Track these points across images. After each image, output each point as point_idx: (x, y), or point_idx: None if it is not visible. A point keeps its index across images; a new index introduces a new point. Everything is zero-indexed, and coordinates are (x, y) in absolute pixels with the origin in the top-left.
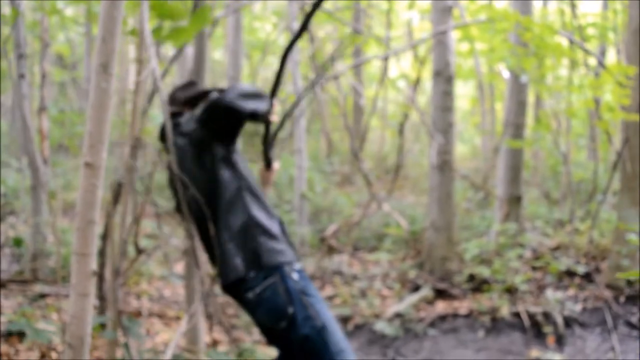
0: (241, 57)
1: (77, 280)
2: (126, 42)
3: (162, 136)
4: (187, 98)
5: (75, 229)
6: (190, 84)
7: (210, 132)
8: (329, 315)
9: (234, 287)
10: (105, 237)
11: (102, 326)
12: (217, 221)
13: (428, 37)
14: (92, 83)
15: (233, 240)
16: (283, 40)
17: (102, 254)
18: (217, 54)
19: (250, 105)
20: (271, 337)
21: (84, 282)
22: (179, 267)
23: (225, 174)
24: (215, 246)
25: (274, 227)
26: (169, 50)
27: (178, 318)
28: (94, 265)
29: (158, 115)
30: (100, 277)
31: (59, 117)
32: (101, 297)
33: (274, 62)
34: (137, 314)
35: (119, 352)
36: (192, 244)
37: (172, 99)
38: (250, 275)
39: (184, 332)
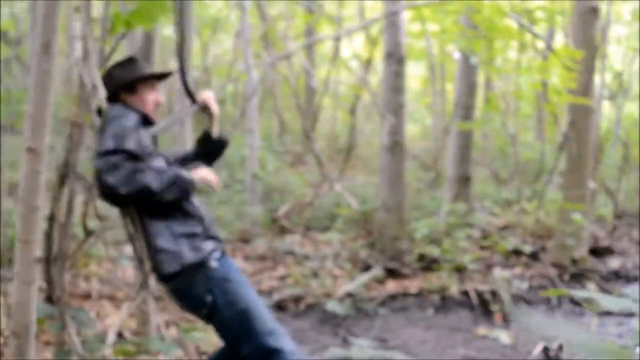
0: (191, 34)
1: (21, 267)
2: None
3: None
4: (124, 81)
5: (18, 215)
6: (130, 61)
7: None
8: (253, 298)
9: (161, 279)
10: (51, 219)
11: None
12: (144, 219)
13: (379, 18)
14: (33, 64)
15: (153, 241)
16: (234, 17)
17: (49, 237)
18: (166, 30)
19: (139, 182)
20: (203, 321)
21: (28, 270)
22: (128, 249)
23: None
24: (145, 241)
25: (192, 228)
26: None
27: (131, 299)
28: (37, 252)
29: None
30: (47, 260)
31: (4, 96)
32: (49, 280)
33: (225, 40)
34: (87, 296)
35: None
36: (133, 229)
37: (108, 78)
38: (169, 270)
39: (134, 314)
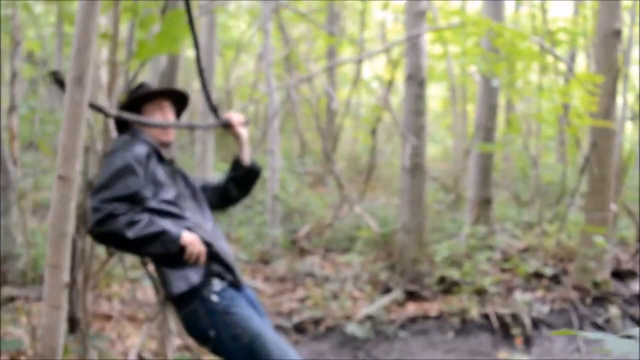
0: (215, 55)
1: (50, 291)
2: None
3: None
4: (127, 102)
5: (48, 241)
6: (139, 86)
7: None
8: (259, 328)
9: (172, 301)
10: (75, 241)
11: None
12: None
13: (401, 41)
14: (66, 95)
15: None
16: (257, 39)
17: (72, 257)
18: (190, 51)
19: (109, 227)
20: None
21: (57, 294)
22: (152, 269)
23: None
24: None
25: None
26: None
27: (149, 321)
28: (66, 277)
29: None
30: (71, 281)
31: (29, 116)
32: (71, 301)
33: (247, 61)
34: (108, 317)
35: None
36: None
37: (118, 105)
38: (175, 298)
39: (154, 335)
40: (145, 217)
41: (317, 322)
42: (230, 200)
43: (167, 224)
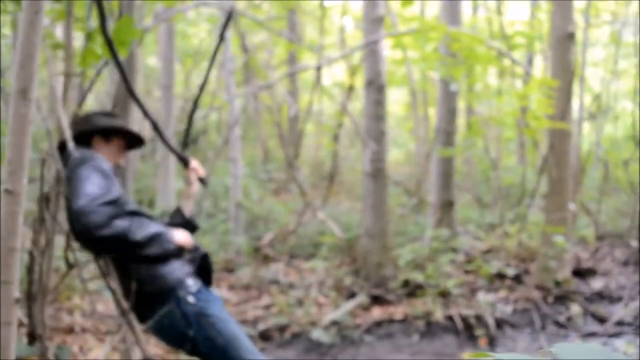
0: (174, 64)
1: (1, 308)
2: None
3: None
4: (105, 127)
5: None
6: (112, 114)
7: None
8: (234, 332)
9: (137, 314)
10: (32, 254)
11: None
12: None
13: (359, 47)
14: (11, 109)
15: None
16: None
17: (30, 271)
18: (151, 60)
19: (118, 226)
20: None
21: (7, 311)
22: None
23: None
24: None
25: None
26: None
27: (112, 333)
28: (16, 292)
29: None
30: (29, 295)
31: None
32: (30, 315)
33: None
34: (70, 330)
35: None
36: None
37: (86, 120)
38: (145, 306)
39: (117, 347)
40: (137, 220)
41: (282, 329)
42: None
43: (154, 225)
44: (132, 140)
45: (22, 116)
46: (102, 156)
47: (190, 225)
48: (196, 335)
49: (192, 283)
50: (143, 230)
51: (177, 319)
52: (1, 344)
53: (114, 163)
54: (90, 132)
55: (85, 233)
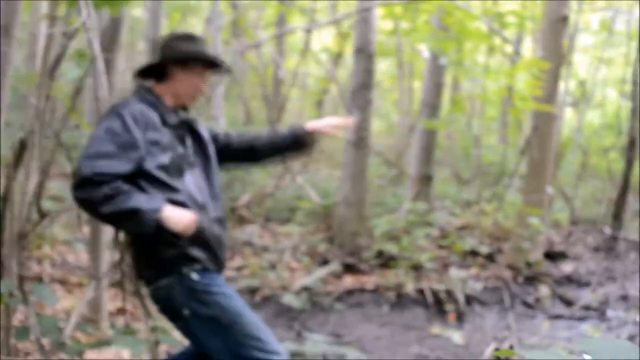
0: (160, 17)
1: None
2: None
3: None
4: (181, 55)
5: None
6: (192, 38)
7: None
8: (239, 309)
9: (142, 274)
10: (5, 199)
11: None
12: None
13: (351, 14)
14: None
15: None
16: (206, 4)
17: (1, 217)
18: (137, 11)
19: (86, 194)
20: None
21: None
22: (84, 232)
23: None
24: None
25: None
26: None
27: (81, 285)
28: None
29: (69, 69)
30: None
31: None
32: (0, 263)
33: (195, 25)
34: (38, 279)
35: (16, 320)
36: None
37: (164, 47)
38: (146, 272)
39: (83, 299)
40: (125, 190)
41: (253, 291)
42: (254, 162)
43: (142, 200)
44: (212, 65)
45: (3, 54)
46: (150, 101)
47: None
48: (197, 314)
49: (197, 266)
50: (121, 204)
51: (175, 296)
52: None
53: (190, 93)
54: (165, 62)
55: (74, 192)
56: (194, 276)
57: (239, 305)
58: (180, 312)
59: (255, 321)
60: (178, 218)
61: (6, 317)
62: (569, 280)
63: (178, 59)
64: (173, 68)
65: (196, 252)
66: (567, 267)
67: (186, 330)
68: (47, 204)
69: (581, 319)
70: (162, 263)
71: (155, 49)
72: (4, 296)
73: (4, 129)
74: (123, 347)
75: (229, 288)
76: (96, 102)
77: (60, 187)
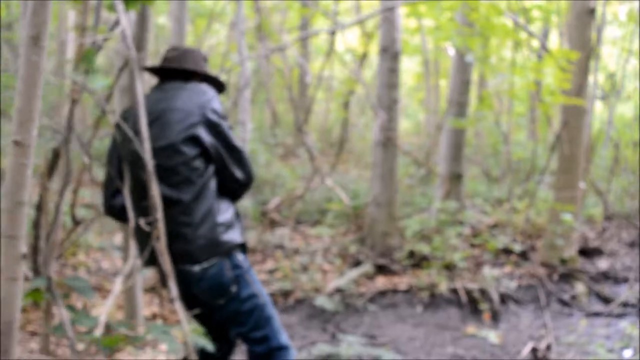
0: (185, 24)
1: (6, 263)
2: (66, 7)
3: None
4: (206, 70)
5: (3, 210)
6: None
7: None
8: (267, 297)
9: (179, 257)
10: (39, 208)
11: (38, 294)
12: (204, 195)
13: (375, 13)
14: (22, 56)
15: (213, 216)
16: (230, 9)
17: (36, 226)
18: (161, 19)
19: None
20: (201, 309)
21: (13, 266)
22: (118, 238)
23: (201, 164)
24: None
25: (229, 214)
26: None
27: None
28: (23, 247)
29: (99, 79)
30: (35, 249)
31: None
32: (36, 270)
33: (219, 30)
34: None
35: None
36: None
37: (196, 55)
38: (201, 252)
39: (122, 306)
40: None
41: (286, 294)
42: None
43: None
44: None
45: (33, 64)
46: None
47: None
48: (240, 292)
49: (244, 241)
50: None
51: (226, 272)
52: (7, 300)
53: None
54: (190, 72)
55: (250, 181)
56: (240, 257)
57: (266, 294)
58: (227, 289)
59: (275, 314)
60: None
61: (45, 318)
62: (605, 276)
63: (205, 75)
64: (194, 79)
65: (243, 236)
66: (602, 264)
67: (225, 309)
68: (80, 212)
69: (619, 316)
70: (217, 244)
71: (186, 56)
72: (40, 293)
73: (36, 138)
74: (160, 341)
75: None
76: (136, 107)
77: (92, 194)
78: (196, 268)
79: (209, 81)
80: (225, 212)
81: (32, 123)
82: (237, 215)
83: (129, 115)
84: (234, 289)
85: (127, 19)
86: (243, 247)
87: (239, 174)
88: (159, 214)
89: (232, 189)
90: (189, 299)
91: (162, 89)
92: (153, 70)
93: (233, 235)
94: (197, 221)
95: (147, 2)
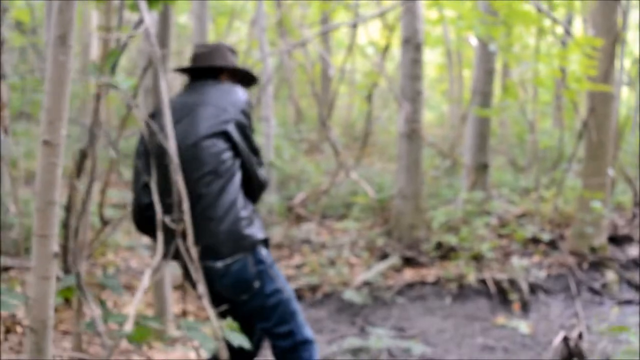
0: (207, 23)
1: (38, 262)
2: (89, 7)
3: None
4: (236, 66)
5: (35, 209)
6: (235, 51)
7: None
8: (291, 292)
9: (203, 252)
10: (69, 208)
11: (69, 291)
12: (228, 190)
13: (396, 5)
14: (50, 56)
15: (235, 211)
16: (250, 6)
17: (65, 226)
18: (182, 18)
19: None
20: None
21: (45, 265)
22: (146, 237)
23: (230, 158)
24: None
25: (250, 210)
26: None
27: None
28: (55, 246)
29: (122, 81)
30: (65, 249)
31: (19, 84)
32: (66, 269)
33: (240, 28)
34: (103, 286)
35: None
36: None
37: (223, 54)
38: (224, 247)
39: (150, 304)
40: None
41: (314, 288)
42: None
43: None
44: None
45: (61, 64)
46: None
47: None
48: (264, 287)
49: (266, 237)
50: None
51: (250, 267)
52: (40, 299)
53: None
54: (218, 70)
55: (267, 184)
56: (264, 252)
57: (290, 290)
58: (251, 285)
59: (299, 309)
60: None
61: (76, 315)
62: (636, 264)
63: (233, 70)
64: (224, 75)
65: (264, 232)
66: (633, 251)
67: (248, 305)
68: (109, 212)
69: None
70: (240, 237)
71: (213, 53)
72: (72, 291)
73: (65, 138)
74: (191, 337)
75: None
76: (160, 105)
77: (120, 194)
78: (219, 264)
79: (239, 74)
80: (246, 207)
81: (61, 122)
82: (255, 212)
83: (158, 112)
84: (257, 284)
85: (150, 18)
86: (266, 243)
87: (262, 174)
88: (185, 210)
89: (252, 189)
90: (214, 295)
91: (194, 88)
92: (183, 71)
93: (255, 230)
94: (221, 214)
95: (169, 1)
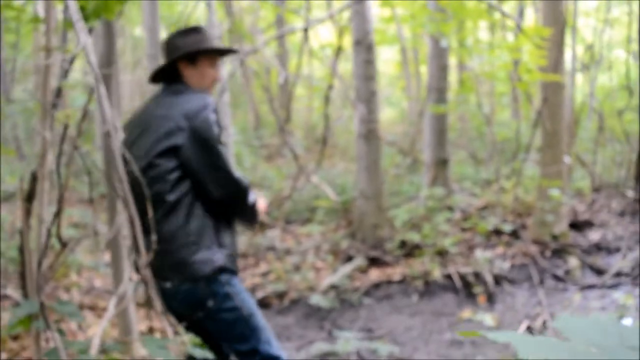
0: (159, 33)
1: None
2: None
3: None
4: (186, 51)
5: None
6: (194, 30)
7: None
8: (253, 308)
9: (154, 272)
10: (22, 233)
11: (26, 321)
12: (194, 211)
13: (345, 7)
14: None
15: (163, 242)
16: (201, 14)
17: (21, 251)
18: (137, 30)
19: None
20: (188, 323)
21: None
22: (108, 256)
23: (175, 179)
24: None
25: (208, 232)
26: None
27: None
28: None
29: (78, 97)
30: (22, 275)
31: None
32: (25, 295)
33: None
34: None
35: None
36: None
37: (168, 46)
38: (171, 273)
39: (115, 323)
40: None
41: (281, 295)
42: None
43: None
44: (219, 52)
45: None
46: (192, 86)
47: None
48: (220, 305)
49: (228, 267)
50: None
51: (201, 288)
52: None
53: (207, 84)
54: (173, 62)
55: (234, 201)
56: (223, 277)
57: (253, 305)
58: (204, 303)
59: (265, 325)
60: (263, 205)
61: (36, 344)
62: (598, 248)
63: (185, 56)
64: (182, 66)
65: (229, 250)
66: (594, 235)
67: (202, 324)
68: (70, 232)
69: (613, 286)
70: (186, 264)
71: (163, 52)
72: (31, 319)
73: (16, 162)
74: (155, 356)
75: (244, 290)
76: (103, 124)
77: (81, 213)
78: (168, 284)
79: (201, 54)
80: (201, 230)
81: None
82: (223, 230)
83: (125, 126)
84: (210, 303)
85: (87, 36)
86: (230, 263)
87: (217, 193)
88: (137, 233)
89: (221, 204)
90: (173, 312)
91: (156, 96)
92: (153, 80)
93: (209, 255)
94: (167, 240)
95: (105, 15)
